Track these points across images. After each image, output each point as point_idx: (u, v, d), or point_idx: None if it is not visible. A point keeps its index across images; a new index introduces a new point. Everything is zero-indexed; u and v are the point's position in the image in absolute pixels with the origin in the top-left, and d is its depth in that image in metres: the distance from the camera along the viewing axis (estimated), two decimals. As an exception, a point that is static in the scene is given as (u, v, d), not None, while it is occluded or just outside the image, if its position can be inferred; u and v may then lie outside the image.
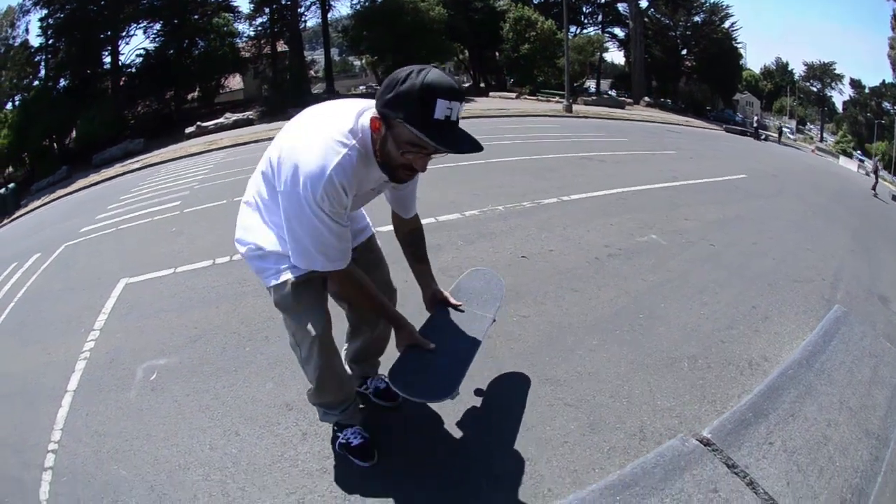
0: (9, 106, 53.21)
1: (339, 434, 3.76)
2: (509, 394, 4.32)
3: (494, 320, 3.74)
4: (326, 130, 2.78)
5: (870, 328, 5.33)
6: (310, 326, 3.26)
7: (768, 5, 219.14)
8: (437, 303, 3.77)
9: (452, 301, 3.76)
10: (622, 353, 4.99)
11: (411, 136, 2.54)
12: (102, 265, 10.32)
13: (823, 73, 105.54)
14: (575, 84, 58.22)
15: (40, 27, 52.46)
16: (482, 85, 67.75)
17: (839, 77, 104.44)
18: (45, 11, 52.20)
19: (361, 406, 4.03)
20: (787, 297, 6.67)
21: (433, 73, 2.52)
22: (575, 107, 43.40)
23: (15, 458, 4.77)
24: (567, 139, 23.41)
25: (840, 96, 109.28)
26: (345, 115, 2.85)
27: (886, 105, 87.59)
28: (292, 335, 3.38)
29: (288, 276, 3.20)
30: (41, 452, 4.70)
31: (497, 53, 65.17)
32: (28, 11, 52.73)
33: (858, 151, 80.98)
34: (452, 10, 56.16)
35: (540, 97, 54.79)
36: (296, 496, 3.60)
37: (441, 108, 2.48)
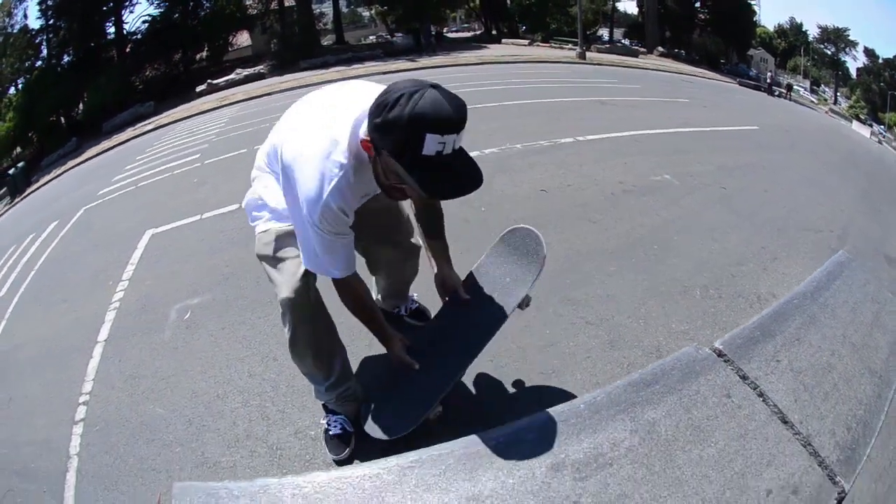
0: (11, 90, 52.85)
1: (324, 419, 3.65)
2: (531, 312, 4.36)
3: (524, 301, 3.23)
4: (321, 145, 2.63)
5: (874, 277, 5.48)
6: (292, 271, 3.14)
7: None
8: (448, 291, 3.51)
9: (462, 294, 3.44)
10: (638, 279, 5.23)
11: (399, 171, 2.38)
12: (125, 221, 10.39)
13: (837, 37, 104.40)
14: (588, 32, 57.75)
15: (39, 10, 51.98)
16: (494, 32, 66.92)
17: (853, 43, 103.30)
18: None
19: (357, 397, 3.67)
20: (795, 242, 6.83)
21: (427, 99, 2.27)
22: (588, 54, 43.13)
23: (43, 419, 4.89)
24: (581, 84, 23.41)
25: (854, 62, 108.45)
26: (342, 121, 2.65)
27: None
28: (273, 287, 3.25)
29: (272, 224, 3.18)
30: (71, 407, 4.81)
31: (508, 1, 64.40)
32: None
33: (871, 121, 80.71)
34: None
35: (553, 44, 54.25)
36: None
37: (431, 144, 2.26)
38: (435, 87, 2.33)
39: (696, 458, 2.52)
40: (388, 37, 63.44)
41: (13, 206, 30.63)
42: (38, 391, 5.40)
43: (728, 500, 2.43)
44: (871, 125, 63.81)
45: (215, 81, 43.44)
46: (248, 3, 58.42)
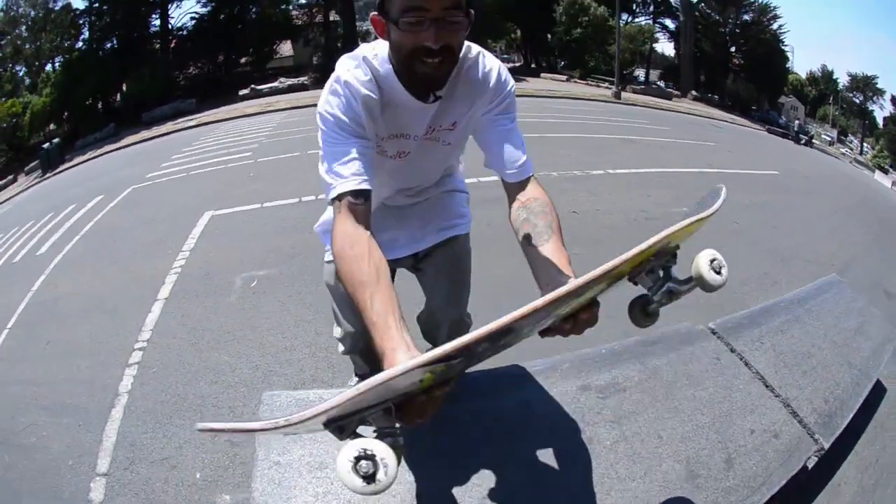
0: (48, 67, 52.92)
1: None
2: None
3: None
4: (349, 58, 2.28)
5: (862, 297, 6.15)
6: (342, 323, 3.10)
7: (817, 9, 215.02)
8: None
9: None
10: (650, 287, 5.96)
11: (405, 1, 1.96)
12: (181, 201, 10.94)
13: (865, 85, 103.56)
14: (624, 72, 57.66)
15: None
16: (533, 66, 66.95)
17: (881, 92, 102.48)
18: None
19: None
20: (797, 271, 7.56)
21: None
22: (623, 94, 43.53)
23: (87, 361, 5.41)
24: (614, 123, 23.96)
25: (881, 111, 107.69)
26: (375, 44, 2.30)
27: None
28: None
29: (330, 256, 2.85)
30: (125, 352, 5.32)
31: (549, 36, 63.67)
32: None
33: (891, 168, 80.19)
34: None
35: (590, 81, 54.41)
36: None
37: None
38: None
39: (690, 396, 3.28)
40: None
41: (45, 179, 31.22)
42: (84, 337, 5.92)
43: (717, 429, 3.13)
44: (894, 175, 63.58)
45: (259, 87, 43.84)
46: (293, 13, 58.66)
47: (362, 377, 3.51)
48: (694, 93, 63.73)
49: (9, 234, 14.17)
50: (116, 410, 4.62)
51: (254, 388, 4.44)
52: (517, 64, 66.43)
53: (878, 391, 4.63)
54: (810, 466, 3.32)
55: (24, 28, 53.37)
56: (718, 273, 1.92)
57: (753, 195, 12.22)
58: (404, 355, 1.68)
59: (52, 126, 50.16)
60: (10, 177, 40.23)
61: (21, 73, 54.37)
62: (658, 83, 72.15)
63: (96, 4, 52.71)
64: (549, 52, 66.61)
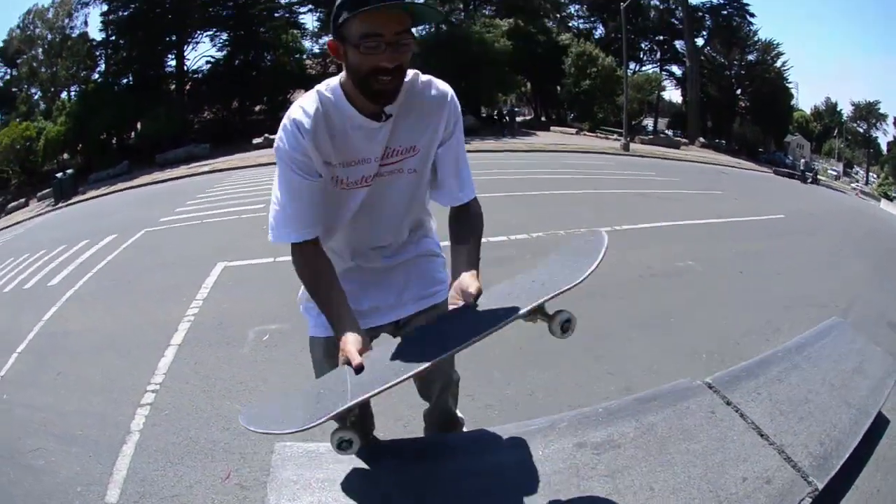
0: (63, 95, 53.56)
1: None
2: (565, 361, 5.58)
3: (565, 328, 2.62)
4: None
5: (863, 335, 6.30)
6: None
7: (818, 40, 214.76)
8: (460, 294, 2.64)
9: (469, 301, 2.60)
10: (654, 343, 6.22)
11: (362, 23, 2.24)
12: (194, 249, 11.18)
13: (868, 112, 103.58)
14: (633, 122, 57.88)
15: (102, 22, 52.80)
16: (543, 118, 67.30)
17: (883, 117, 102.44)
18: (105, 7, 52.57)
19: None
20: (799, 316, 7.64)
21: None
22: (632, 145, 43.76)
23: (99, 397, 5.53)
24: (623, 176, 24.35)
25: (885, 137, 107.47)
26: (328, 81, 2.62)
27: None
28: None
29: (310, 332, 3.18)
30: (138, 392, 5.45)
31: (559, 88, 64.49)
32: (87, 4, 52.95)
33: None
34: (516, 43, 55.28)
35: (599, 134, 54.74)
36: (401, 422, 4.55)
37: None
38: None
39: (683, 450, 3.45)
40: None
41: (57, 208, 31.38)
42: (96, 374, 6.04)
43: (709, 479, 3.27)
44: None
45: (273, 136, 43.94)
46: (307, 62, 59.20)
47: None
48: (702, 139, 63.82)
49: (20, 258, 14.38)
50: (128, 447, 4.74)
51: (264, 438, 4.39)
52: (528, 117, 66.78)
53: (880, 424, 4.69)
54: (804, 507, 3.43)
55: (40, 50, 53.95)
56: (566, 332, 2.60)
57: (758, 241, 12.44)
58: (353, 338, 2.43)
59: (65, 155, 50.67)
60: (22, 200, 40.76)
61: (36, 97, 55.06)
62: (666, 132, 72.32)
63: (113, 38, 53.42)
64: (558, 104, 67.03)
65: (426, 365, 2.32)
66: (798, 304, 8.29)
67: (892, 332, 7.92)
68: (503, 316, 2.46)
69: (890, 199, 67.39)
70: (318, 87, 2.58)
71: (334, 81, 2.56)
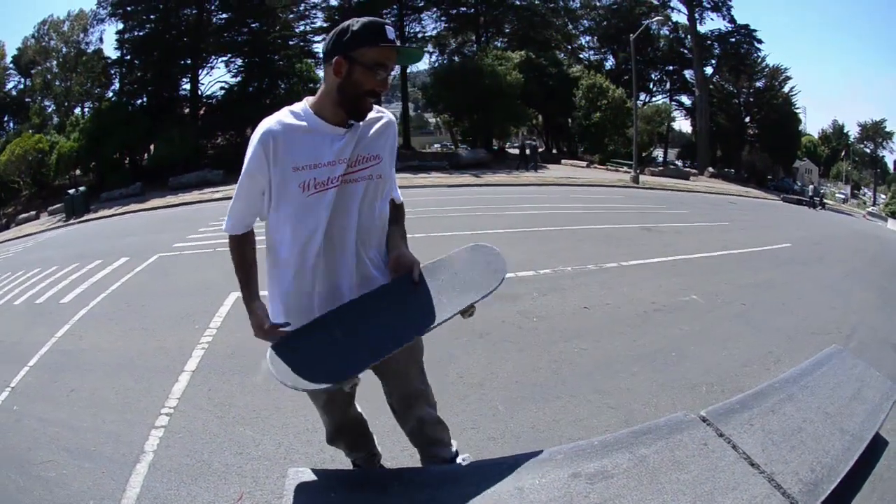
0: (77, 110, 54.47)
1: None
2: (567, 395, 5.77)
3: (469, 310, 3.26)
4: None
5: (862, 361, 6.35)
6: (318, 404, 3.68)
7: (825, 62, 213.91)
8: (399, 270, 3.33)
9: (415, 275, 3.27)
10: (655, 377, 6.35)
11: (379, 54, 2.89)
12: (207, 277, 11.27)
13: (875, 132, 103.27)
14: (643, 154, 57.85)
15: (117, 40, 53.26)
16: (554, 151, 67.37)
17: (890, 136, 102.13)
18: (121, 25, 53.09)
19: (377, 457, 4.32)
20: (801, 346, 7.81)
21: (370, 17, 2.97)
22: (642, 177, 43.81)
23: (113, 416, 5.64)
24: (631, 210, 24.48)
25: (891, 155, 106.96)
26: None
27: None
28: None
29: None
30: (152, 414, 5.58)
31: (569, 121, 64.44)
32: (102, 20, 53.78)
33: None
34: (528, 75, 55.18)
35: (609, 166, 54.73)
36: (408, 451, 4.52)
37: (389, 32, 2.91)
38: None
39: (674, 479, 3.60)
40: (452, 146, 65.18)
41: (68, 224, 31.70)
42: (110, 394, 6.16)
43: None
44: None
45: None
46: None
47: (354, 463, 4.19)
48: (711, 169, 63.76)
49: (31, 272, 14.61)
50: (141, 465, 4.84)
51: (276, 463, 4.69)
52: (540, 150, 66.81)
53: (878, 446, 4.85)
54: (792, 533, 3.55)
55: (54, 63, 54.43)
56: (470, 315, 3.27)
57: (763, 273, 12.60)
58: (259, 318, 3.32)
59: (77, 171, 51.17)
60: (33, 212, 41.20)
61: (49, 110, 55.66)
62: (676, 162, 72.43)
63: (128, 57, 53.75)
64: (569, 137, 66.95)
65: (418, 334, 3.20)
66: (800, 333, 8.42)
67: (895, 354, 8.07)
68: (445, 312, 3.17)
69: (897, 217, 66.90)
70: (283, 109, 3.10)
71: (300, 103, 3.12)
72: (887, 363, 7.60)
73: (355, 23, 2.93)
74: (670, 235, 17.44)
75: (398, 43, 3.00)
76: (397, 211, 3.56)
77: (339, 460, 4.50)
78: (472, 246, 3.59)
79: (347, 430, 3.92)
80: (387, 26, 2.94)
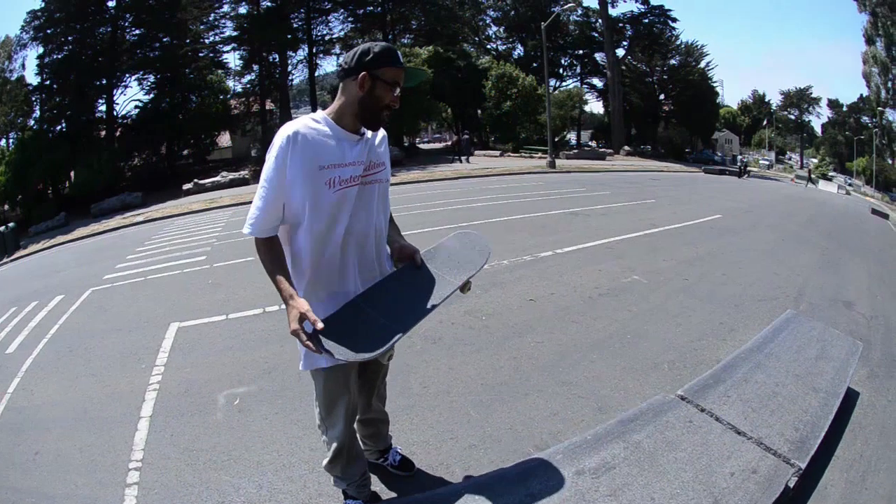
0: (2, 142, 52.85)
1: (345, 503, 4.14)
2: (535, 390, 5.75)
3: (466, 286, 3.68)
4: None
5: (820, 322, 6.52)
6: (336, 412, 3.69)
7: (743, 35, 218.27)
8: (403, 258, 3.75)
9: (417, 260, 3.70)
10: (616, 362, 6.39)
11: (396, 74, 3.30)
12: (145, 310, 10.86)
13: (800, 99, 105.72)
14: (556, 138, 58.22)
15: (37, 65, 52.36)
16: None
17: (816, 101, 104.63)
18: (42, 49, 52.30)
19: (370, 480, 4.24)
20: (751, 313, 8.03)
21: (383, 44, 3.33)
22: (558, 161, 44.17)
23: (83, 478, 5.28)
24: (553, 196, 24.50)
25: (818, 119, 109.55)
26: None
27: (865, 119, 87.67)
28: (318, 408, 3.77)
29: (311, 365, 3.56)
30: (121, 472, 5.21)
31: (479, 111, 64.70)
32: (25, 46, 52.80)
33: (836, 172, 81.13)
34: (436, 69, 55.61)
35: (523, 154, 54.98)
36: (402, 483, 4.46)
37: (401, 56, 3.35)
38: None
39: (671, 459, 3.64)
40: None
41: (2, 264, 30.78)
42: (74, 452, 5.78)
43: (701, 480, 3.49)
44: (838, 180, 64.40)
45: (202, 181, 43.95)
46: (231, 102, 59.15)
47: (345, 493, 4.16)
48: (627, 147, 64.45)
49: None
50: None
51: None
52: (449, 143, 66.68)
53: (850, 399, 5.09)
54: (792, 485, 3.69)
55: None
56: (468, 290, 3.70)
57: (699, 246, 12.80)
58: (307, 304, 3.15)
59: (6, 206, 49.85)
60: None
61: None
62: (590, 143, 73.01)
63: (48, 82, 52.69)
64: (480, 128, 67.07)
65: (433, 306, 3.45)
66: (747, 301, 8.62)
67: (848, 311, 8.38)
68: (447, 290, 3.55)
69: (828, 178, 68.61)
70: (303, 117, 3.36)
71: (318, 112, 3.42)
72: (843, 320, 7.92)
73: (375, 46, 3.29)
74: (597, 218, 17.57)
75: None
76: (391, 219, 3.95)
77: (327, 494, 4.42)
78: (458, 233, 4.05)
79: (352, 443, 3.90)
80: (398, 52, 3.36)
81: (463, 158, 48.09)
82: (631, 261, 11.23)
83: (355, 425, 4.10)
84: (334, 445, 3.77)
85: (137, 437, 5.81)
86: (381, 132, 3.65)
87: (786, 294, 9.02)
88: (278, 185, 3.23)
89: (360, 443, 4.24)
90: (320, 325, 3.07)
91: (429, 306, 3.46)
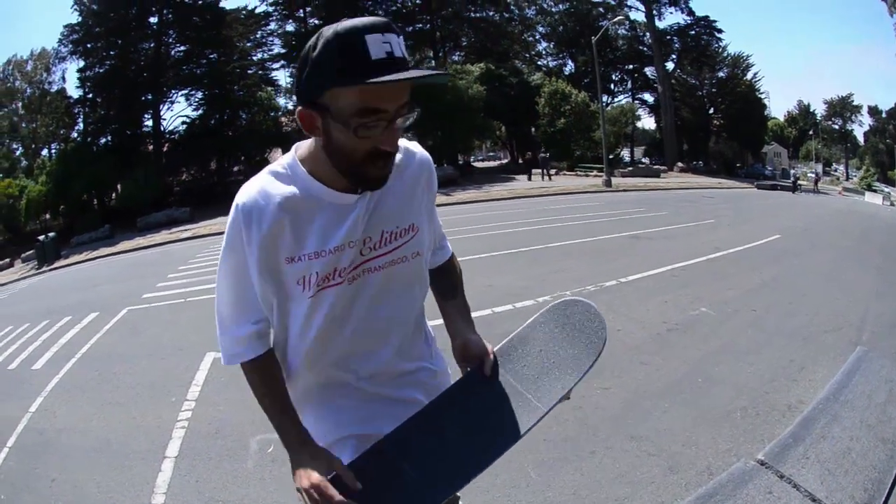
0: (44, 152, 55.10)
1: None
2: (602, 447, 5.48)
3: (566, 398, 2.34)
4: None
5: (888, 360, 6.42)
6: None
7: (783, 43, 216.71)
8: (470, 359, 2.42)
9: (487, 369, 2.36)
10: (688, 411, 6.14)
11: (359, 100, 1.75)
12: (181, 336, 10.78)
13: (843, 107, 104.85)
14: (610, 156, 58.29)
15: (78, 78, 53.98)
16: (520, 161, 67.89)
17: (857, 109, 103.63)
18: (82, 63, 53.70)
19: None
20: (819, 347, 7.81)
21: (345, 21, 1.77)
22: (613, 180, 44.25)
23: None
24: (613, 217, 24.34)
25: (860, 128, 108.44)
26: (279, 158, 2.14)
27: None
28: None
29: None
30: None
31: (533, 129, 64.94)
32: (64, 59, 54.78)
33: (882, 186, 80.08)
34: (489, 86, 55.86)
35: (578, 172, 55.12)
36: None
37: (376, 46, 1.72)
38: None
39: None
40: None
41: (41, 272, 31.69)
42: (92, 487, 5.60)
43: None
44: (882, 191, 63.71)
45: None
46: (282, 119, 59.27)
47: None
48: (680, 164, 64.32)
49: (4, 330, 14.20)
50: None
51: None
52: (504, 161, 66.66)
53: None
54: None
55: (20, 105, 54.98)
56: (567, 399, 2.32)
57: (762, 271, 12.61)
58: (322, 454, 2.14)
59: (47, 215, 51.58)
60: (7, 260, 41.19)
61: (17, 153, 56.67)
62: (644, 160, 72.88)
63: (90, 95, 54.18)
64: (535, 145, 66.79)
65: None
66: (814, 334, 8.40)
67: None
68: (533, 414, 2.27)
69: (873, 189, 67.78)
70: (268, 167, 2.08)
71: (288, 157, 2.06)
72: None
73: (322, 40, 1.76)
74: (659, 242, 17.38)
75: (402, 64, 1.79)
76: (449, 276, 2.60)
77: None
78: (554, 306, 2.50)
79: None
80: (373, 35, 1.73)
81: (543, 175, 48.90)
82: (697, 289, 11.03)
83: None
84: None
85: (160, 478, 5.63)
86: (416, 156, 2.21)
87: (849, 323, 8.78)
88: (234, 285, 2.12)
89: None
90: (358, 485, 2.05)
91: (494, 453, 2.26)
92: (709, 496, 3.97)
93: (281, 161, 2.06)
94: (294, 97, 1.92)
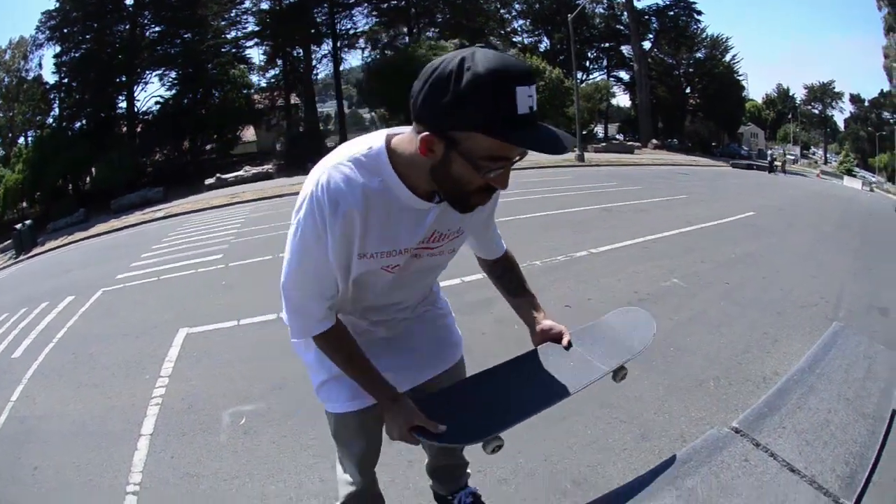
0: (21, 140, 54.16)
1: None
2: (574, 415, 5.31)
3: (621, 372, 2.84)
4: (328, 159, 2.11)
5: (865, 337, 6.35)
6: (349, 455, 2.95)
7: (766, 28, 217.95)
8: (549, 339, 2.80)
9: (564, 343, 2.76)
10: (659, 379, 6.01)
11: (494, 148, 1.80)
12: (154, 313, 10.68)
13: (823, 93, 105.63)
14: (584, 131, 58.55)
15: (55, 64, 53.62)
16: None
17: (839, 95, 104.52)
18: (59, 48, 53.28)
19: None
20: (794, 321, 7.71)
21: (490, 55, 1.75)
22: (586, 155, 44.38)
23: (83, 500, 5.04)
24: (585, 190, 24.43)
25: (841, 114, 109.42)
26: (358, 141, 2.14)
27: (886, 115, 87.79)
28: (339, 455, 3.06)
29: (329, 406, 2.74)
30: (118, 494, 4.91)
31: None
32: (41, 45, 54.12)
33: (861, 171, 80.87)
34: None
35: None
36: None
37: (523, 100, 1.74)
38: (482, 45, 1.87)
39: None
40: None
41: (18, 262, 31.56)
42: (72, 471, 5.54)
43: None
44: (863, 177, 64.50)
45: (224, 176, 44.72)
46: (255, 97, 59.57)
47: None
48: (654, 141, 64.63)
49: None
50: None
51: None
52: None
53: (894, 421, 4.83)
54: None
55: None
56: (622, 378, 2.87)
57: (737, 246, 12.52)
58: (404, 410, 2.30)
59: (24, 203, 51.33)
60: None
61: None
62: (617, 136, 73.08)
63: (65, 80, 53.86)
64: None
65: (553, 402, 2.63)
66: (789, 308, 8.33)
67: (884, 318, 8.15)
68: (592, 374, 2.75)
69: (852, 174, 68.58)
70: (351, 152, 2.05)
71: (375, 147, 2.05)
72: (879, 329, 7.66)
73: (472, 76, 1.70)
74: (631, 214, 17.41)
75: (536, 118, 1.84)
76: (511, 270, 2.91)
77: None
78: (620, 310, 3.23)
79: (367, 491, 3.06)
80: (522, 87, 1.74)
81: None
82: (669, 261, 10.95)
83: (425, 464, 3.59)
84: (345, 490, 3.01)
85: (137, 456, 5.55)
86: None
87: (825, 300, 8.72)
88: (313, 265, 2.14)
89: (429, 476, 3.65)
90: (443, 429, 2.29)
91: (566, 391, 2.63)
92: (682, 462, 3.84)
93: (363, 148, 2.06)
94: (418, 115, 1.89)
